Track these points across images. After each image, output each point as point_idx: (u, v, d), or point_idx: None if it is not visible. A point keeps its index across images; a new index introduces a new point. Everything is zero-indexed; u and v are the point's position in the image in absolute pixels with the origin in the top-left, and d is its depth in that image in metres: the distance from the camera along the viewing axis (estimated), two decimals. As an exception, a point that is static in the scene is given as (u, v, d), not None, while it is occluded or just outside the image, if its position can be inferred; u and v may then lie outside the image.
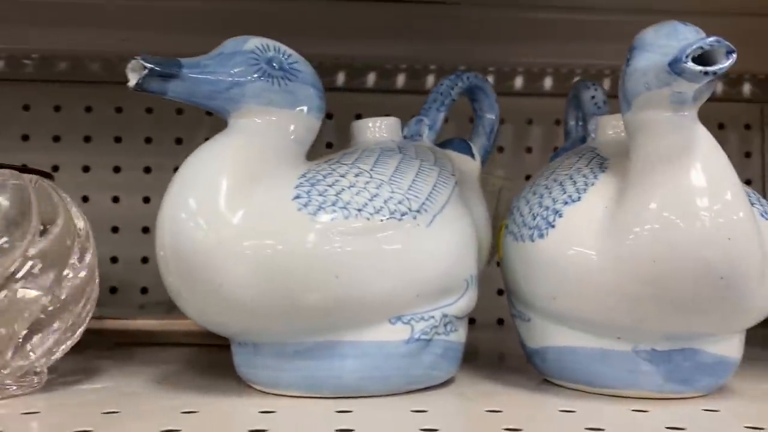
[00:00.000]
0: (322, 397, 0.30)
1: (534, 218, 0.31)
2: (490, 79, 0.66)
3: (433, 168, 0.33)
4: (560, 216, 0.30)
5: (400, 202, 0.29)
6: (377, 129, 0.36)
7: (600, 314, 0.29)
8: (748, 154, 0.68)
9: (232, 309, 0.28)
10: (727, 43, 0.25)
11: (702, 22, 0.63)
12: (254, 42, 0.30)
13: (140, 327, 0.45)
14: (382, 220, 0.29)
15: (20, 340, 0.30)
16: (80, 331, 0.33)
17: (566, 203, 0.30)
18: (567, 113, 0.44)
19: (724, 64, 0.25)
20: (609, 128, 0.36)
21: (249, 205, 0.28)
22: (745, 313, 0.29)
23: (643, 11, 0.58)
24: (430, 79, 0.66)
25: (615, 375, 0.31)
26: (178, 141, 0.63)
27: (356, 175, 0.30)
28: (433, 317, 0.31)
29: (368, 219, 0.28)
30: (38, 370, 0.32)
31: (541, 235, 0.30)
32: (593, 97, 0.40)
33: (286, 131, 0.31)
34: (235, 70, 0.29)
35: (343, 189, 0.29)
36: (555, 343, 0.32)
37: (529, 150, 0.68)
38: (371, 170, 0.30)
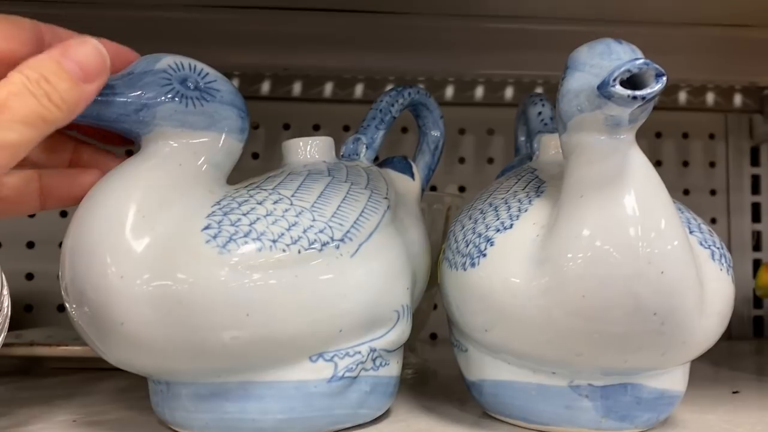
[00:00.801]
0: (239, 440, 0.28)
1: (467, 245, 0.30)
2: (450, 89, 0.65)
3: (363, 192, 0.31)
4: (492, 244, 0.28)
5: (321, 231, 0.27)
6: (308, 149, 0.34)
7: (533, 348, 0.28)
8: (712, 164, 0.67)
9: (137, 348, 0.26)
10: (657, 65, 0.23)
11: (665, 32, 0.62)
12: (167, 60, 0.29)
13: (72, 354, 0.43)
14: (300, 252, 0.27)
15: None
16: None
17: (498, 231, 0.29)
18: (516, 128, 0.43)
19: (654, 88, 0.23)
20: (551, 148, 0.34)
21: (155, 235, 0.26)
22: (684, 348, 0.27)
23: (605, 21, 0.57)
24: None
25: (552, 411, 0.29)
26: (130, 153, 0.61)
27: (275, 203, 0.28)
28: (359, 353, 0.29)
29: (284, 251, 0.26)
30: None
31: (473, 264, 0.29)
32: (540, 114, 0.39)
33: (203, 154, 0.29)
34: (145, 91, 0.27)
35: (259, 218, 0.27)
36: (491, 376, 0.30)
37: (490, 161, 0.66)
38: (293, 196, 0.28)
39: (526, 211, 0.29)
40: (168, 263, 0.26)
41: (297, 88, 0.64)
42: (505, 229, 0.28)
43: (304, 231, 0.27)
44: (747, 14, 0.57)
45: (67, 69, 0.24)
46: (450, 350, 0.57)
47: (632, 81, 0.24)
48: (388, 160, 0.38)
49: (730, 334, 0.63)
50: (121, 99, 0.27)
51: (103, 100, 0.27)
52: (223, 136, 0.29)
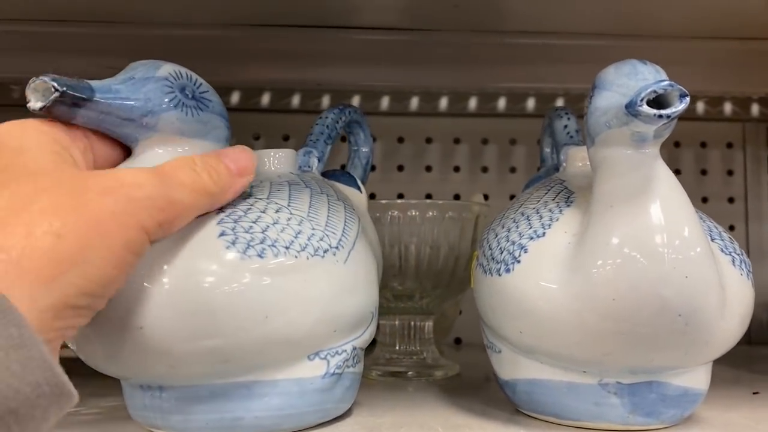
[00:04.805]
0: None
1: (501, 252, 0.32)
2: (474, 101, 0.67)
3: (339, 203, 0.33)
4: (525, 251, 0.30)
5: (321, 239, 0.30)
6: (275, 160, 0.35)
7: (565, 348, 0.30)
8: (730, 173, 0.69)
9: (153, 353, 0.26)
10: (680, 87, 0.26)
11: (682, 45, 0.64)
12: (167, 68, 0.29)
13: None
14: (308, 258, 0.29)
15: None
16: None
17: (531, 238, 0.31)
18: (543, 140, 0.45)
19: (678, 107, 0.25)
20: (578, 160, 0.36)
21: (169, 239, 0.26)
22: (707, 348, 0.29)
23: (624, 36, 0.59)
24: (414, 102, 0.66)
25: (582, 407, 0.31)
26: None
27: (276, 211, 0.29)
28: (345, 351, 0.31)
29: (296, 257, 0.28)
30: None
31: (507, 270, 0.31)
32: (566, 127, 0.41)
33: None
34: (150, 97, 0.28)
35: (268, 226, 0.28)
36: (524, 375, 0.32)
37: (512, 170, 0.68)
38: (289, 206, 0.30)
39: (557, 220, 0.31)
40: (188, 268, 0.26)
41: (326, 101, 0.67)
42: (538, 237, 0.30)
43: (308, 239, 0.29)
44: (761, 27, 0.58)
45: (226, 162, 0.28)
46: (473, 354, 0.59)
47: (657, 100, 0.26)
48: (331, 173, 0.39)
49: (750, 339, 0.64)
50: (128, 103, 0.27)
51: (110, 103, 0.27)
52: (212, 144, 0.30)
